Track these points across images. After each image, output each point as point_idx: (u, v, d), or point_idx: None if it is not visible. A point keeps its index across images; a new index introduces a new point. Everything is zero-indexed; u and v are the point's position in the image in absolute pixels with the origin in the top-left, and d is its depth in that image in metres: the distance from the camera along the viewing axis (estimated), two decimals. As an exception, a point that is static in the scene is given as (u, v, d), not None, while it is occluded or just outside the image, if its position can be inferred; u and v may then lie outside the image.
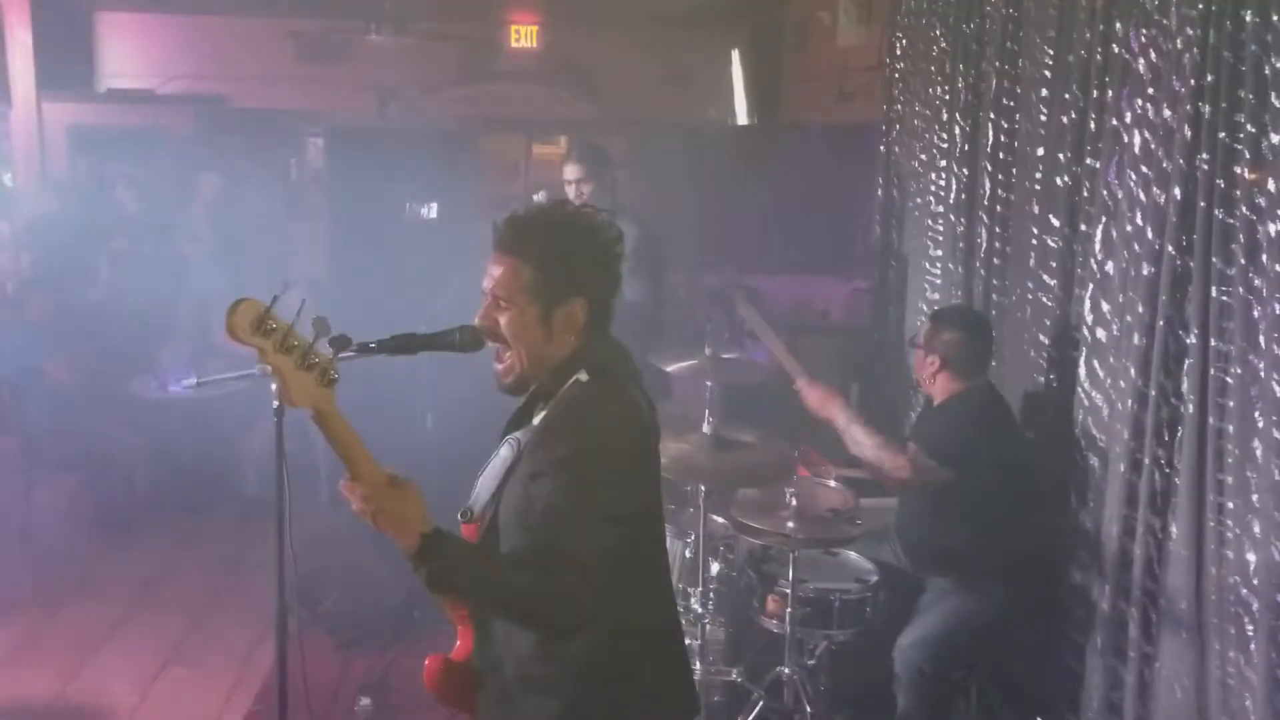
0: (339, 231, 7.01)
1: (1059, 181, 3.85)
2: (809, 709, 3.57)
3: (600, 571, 1.91)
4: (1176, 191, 3.07)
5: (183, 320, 6.49)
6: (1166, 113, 3.16)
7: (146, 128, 8.03)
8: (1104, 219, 3.52)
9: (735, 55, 8.57)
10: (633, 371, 2.15)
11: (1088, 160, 3.69)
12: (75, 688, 4.26)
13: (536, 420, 2.08)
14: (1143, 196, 3.26)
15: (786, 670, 3.64)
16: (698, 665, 3.62)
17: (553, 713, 2.03)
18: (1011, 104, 4.31)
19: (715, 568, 3.87)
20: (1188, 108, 3.03)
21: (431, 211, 6.55)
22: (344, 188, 6.92)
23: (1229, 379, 2.90)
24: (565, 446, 1.93)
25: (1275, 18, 2.76)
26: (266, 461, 2.58)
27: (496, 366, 2.12)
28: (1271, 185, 2.75)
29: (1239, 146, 2.88)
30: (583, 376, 2.02)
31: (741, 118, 8.53)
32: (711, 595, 3.79)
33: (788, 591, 3.56)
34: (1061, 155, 3.83)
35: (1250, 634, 2.82)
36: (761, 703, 3.65)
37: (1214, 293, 2.95)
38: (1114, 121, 3.47)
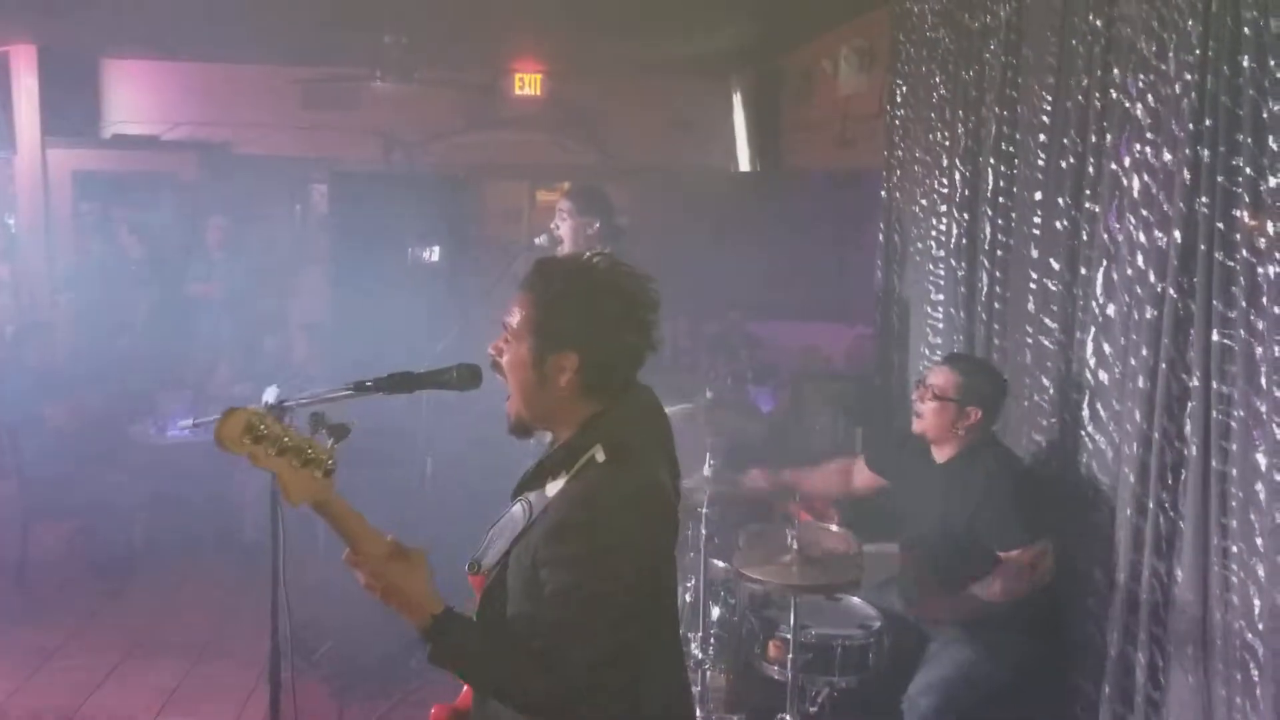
0: (342, 275, 7.04)
1: (1059, 225, 3.86)
2: (809, 757, 3.52)
3: (600, 672, 1.87)
4: (1177, 234, 3.08)
5: (184, 365, 6.50)
6: (1166, 156, 3.17)
7: (151, 173, 8.08)
8: (1104, 262, 3.52)
9: (737, 102, 8.64)
10: (658, 439, 2.08)
11: (1087, 204, 3.69)
12: (68, 735, 4.21)
13: (550, 490, 2.00)
14: (1143, 239, 3.27)
15: (788, 717, 3.58)
16: (698, 712, 3.57)
17: None
18: (1011, 149, 4.33)
19: (716, 612, 3.83)
20: (1187, 151, 3.04)
21: (434, 255, 6.58)
22: (348, 232, 6.97)
23: (1232, 422, 2.89)
24: (577, 545, 1.87)
25: (1272, 63, 2.77)
26: (263, 507, 2.57)
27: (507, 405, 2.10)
28: (1270, 228, 2.75)
29: (1238, 190, 2.88)
30: (599, 456, 1.94)
31: (744, 164, 8.58)
32: (712, 640, 3.75)
33: (789, 637, 3.52)
34: (1061, 200, 3.84)
35: (1256, 679, 2.78)
36: (763, 751, 3.59)
37: (1215, 335, 2.94)
38: (1113, 166, 3.48)
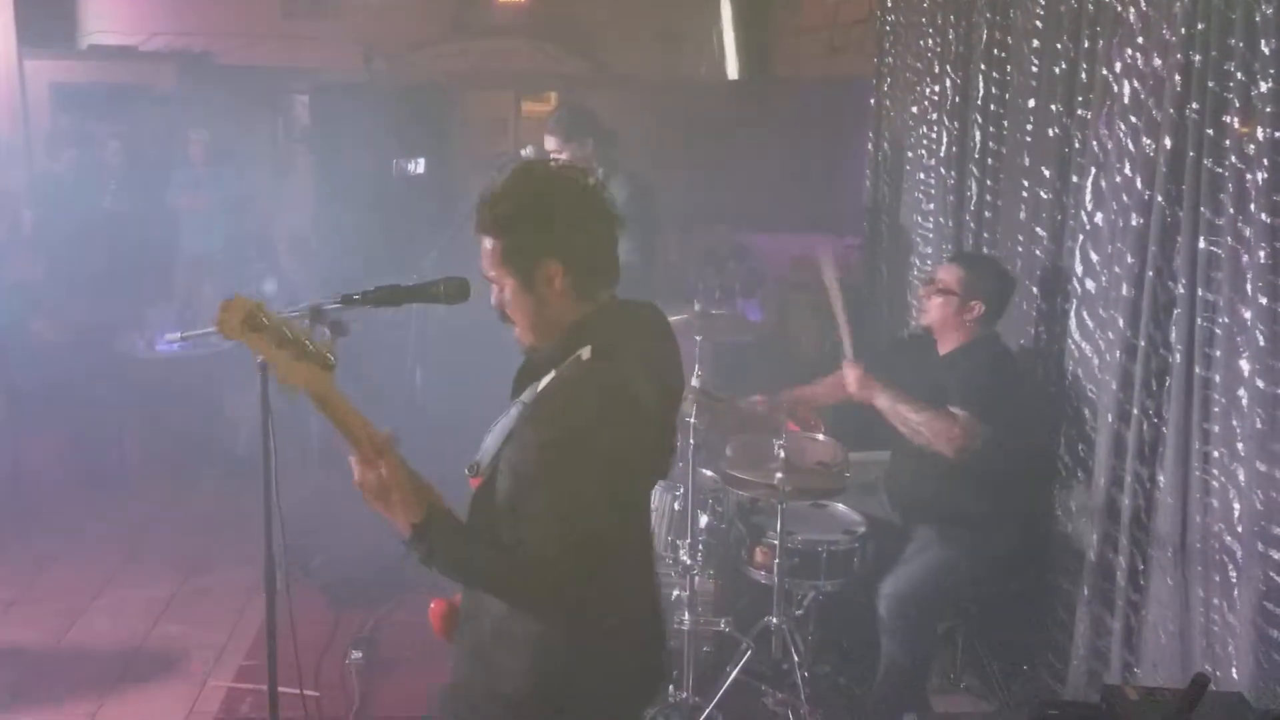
0: (326, 188, 6.96)
1: (1050, 133, 3.83)
2: (796, 658, 3.60)
3: (567, 561, 1.91)
4: (1167, 141, 3.06)
5: (170, 278, 6.47)
6: (1157, 61, 3.14)
7: (129, 85, 7.94)
8: (1094, 170, 3.50)
9: (726, 10, 8.48)
10: (647, 343, 2.10)
11: (1079, 111, 3.67)
12: (66, 644, 4.28)
13: (541, 385, 2.04)
14: (1132, 147, 3.25)
15: (774, 620, 3.66)
16: (687, 616, 3.65)
17: (518, 672, 2.04)
18: (1003, 55, 4.28)
19: (704, 520, 3.88)
20: (1178, 56, 3.01)
21: (419, 167, 6.50)
22: (330, 144, 6.87)
23: (1216, 329, 2.91)
24: (548, 432, 1.91)
25: (1266, -36, 2.73)
26: (256, 419, 2.58)
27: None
28: (1260, 134, 2.73)
29: (1229, 95, 2.86)
30: (585, 354, 1.98)
31: (733, 73, 8.46)
32: (700, 547, 3.81)
33: (776, 543, 3.58)
34: (1053, 106, 3.81)
35: (1234, 581, 2.85)
36: (750, 652, 3.68)
37: (1202, 243, 2.95)
38: (1104, 71, 3.45)
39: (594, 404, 1.92)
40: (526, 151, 4.79)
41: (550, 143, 4.59)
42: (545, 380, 2.03)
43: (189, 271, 6.75)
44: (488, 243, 2.02)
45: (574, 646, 2.05)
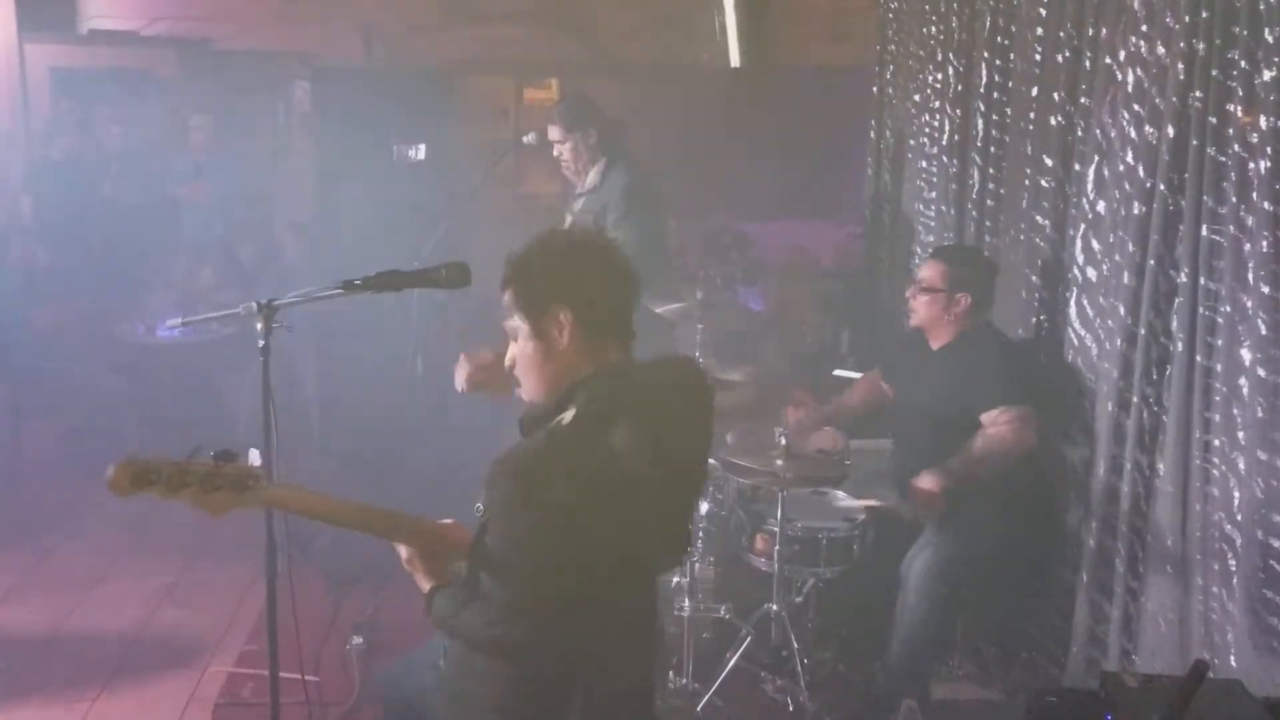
0: (326, 173, 6.95)
1: (1052, 121, 3.82)
2: (796, 645, 3.61)
3: (514, 623, 1.98)
4: (1169, 129, 3.05)
5: (170, 265, 6.46)
6: (1160, 50, 3.13)
7: (130, 70, 7.91)
8: (1096, 158, 3.50)
9: (728, -4, 8.45)
10: (656, 407, 2.06)
11: (1081, 99, 3.66)
12: (67, 630, 4.28)
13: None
14: (1135, 135, 3.24)
15: (774, 607, 3.67)
16: (687, 603, 3.66)
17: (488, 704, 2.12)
18: (1006, 42, 4.27)
19: (705, 507, 3.89)
20: (1181, 44, 3.00)
21: (419, 153, 6.49)
22: (331, 130, 6.86)
23: (1218, 318, 2.90)
24: (502, 489, 1.94)
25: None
26: (256, 405, 2.59)
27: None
28: (1263, 122, 2.73)
29: (1232, 84, 2.85)
30: (567, 417, 2.00)
31: (734, 60, 8.44)
32: (701, 534, 3.82)
33: (776, 530, 3.59)
34: (1055, 94, 3.80)
35: (1233, 569, 2.85)
36: (750, 639, 3.69)
37: (1204, 231, 2.94)
38: (1108, 59, 3.44)
39: (559, 464, 1.94)
40: (528, 138, 4.78)
41: (554, 132, 4.57)
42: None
43: (189, 259, 6.72)
44: (506, 294, 2.09)
45: (548, 672, 2.08)
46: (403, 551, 2.22)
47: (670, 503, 2.12)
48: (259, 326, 2.52)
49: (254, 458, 2.23)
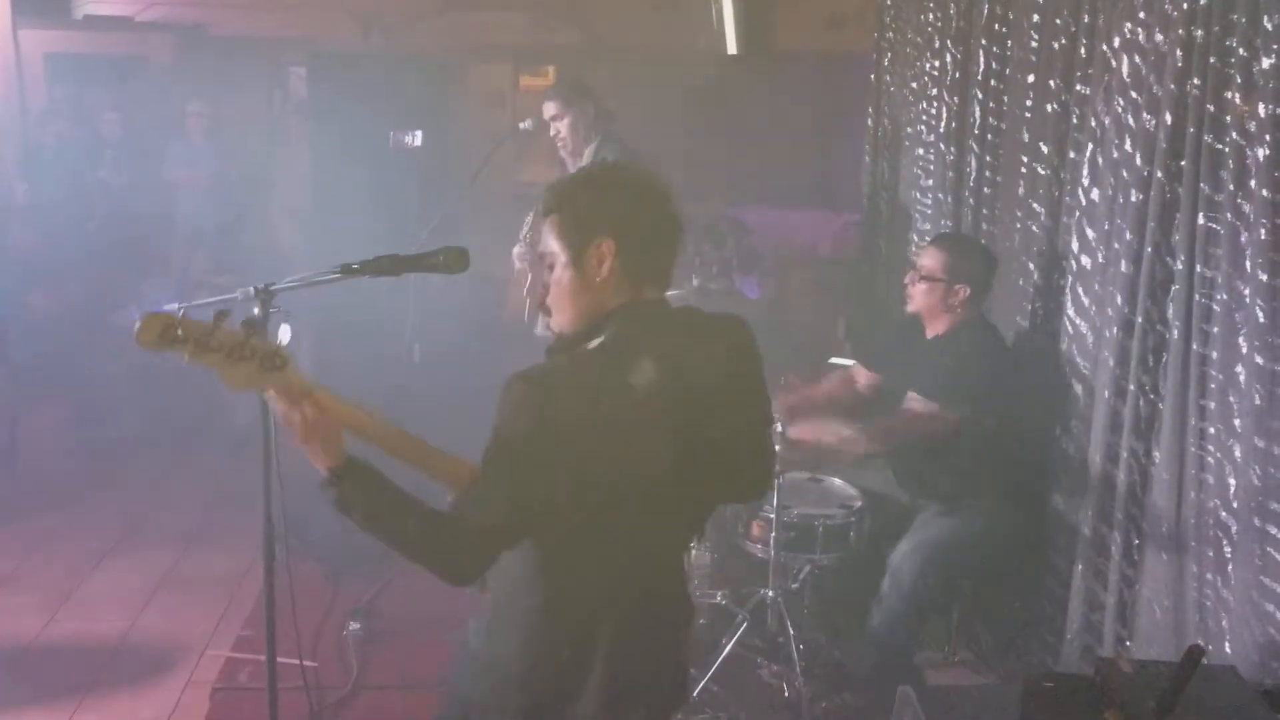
0: (322, 160, 6.93)
1: (1049, 108, 3.82)
2: (792, 631, 3.62)
3: (490, 536, 1.91)
4: (1167, 117, 3.05)
5: (167, 251, 6.45)
6: (1158, 37, 3.12)
7: (125, 56, 7.88)
8: (1091, 146, 3.50)
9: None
10: (675, 344, 1.99)
11: (1078, 87, 3.65)
12: (64, 615, 4.29)
13: None
14: (1132, 122, 3.24)
15: (770, 593, 3.68)
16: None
17: (513, 655, 2.06)
18: (1003, 30, 4.26)
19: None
20: (1179, 32, 3.00)
21: (416, 139, 6.47)
22: (327, 116, 6.84)
23: (1214, 305, 2.91)
24: (512, 397, 1.87)
25: (1269, -62, 2.72)
26: (254, 392, 2.57)
27: (547, 325, 2.12)
28: (1262, 110, 2.72)
29: (1230, 71, 2.85)
30: (591, 344, 1.96)
31: (731, 47, 8.42)
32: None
33: (772, 516, 3.59)
34: (1052, 82, 3.80)
35: (1228, 556, 2.86)
36: (745, 625, 3.70)
37: (1201, 219, 2.94)
38: (1104, 47, 3.44)
39: (574, 386, 1.90)
40: (525, 124, 4.77)
41: (550, 108, 4.56)
42: None
43: (185, 245, 6.72)
44: (548, 223, 2.02)
45: (563, 637, 2.02)
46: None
47: (691, 461, 1.99)
48: (255, 311, 2.51)
49: (284, 334, 2.19)
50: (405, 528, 1.96)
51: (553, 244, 2.01)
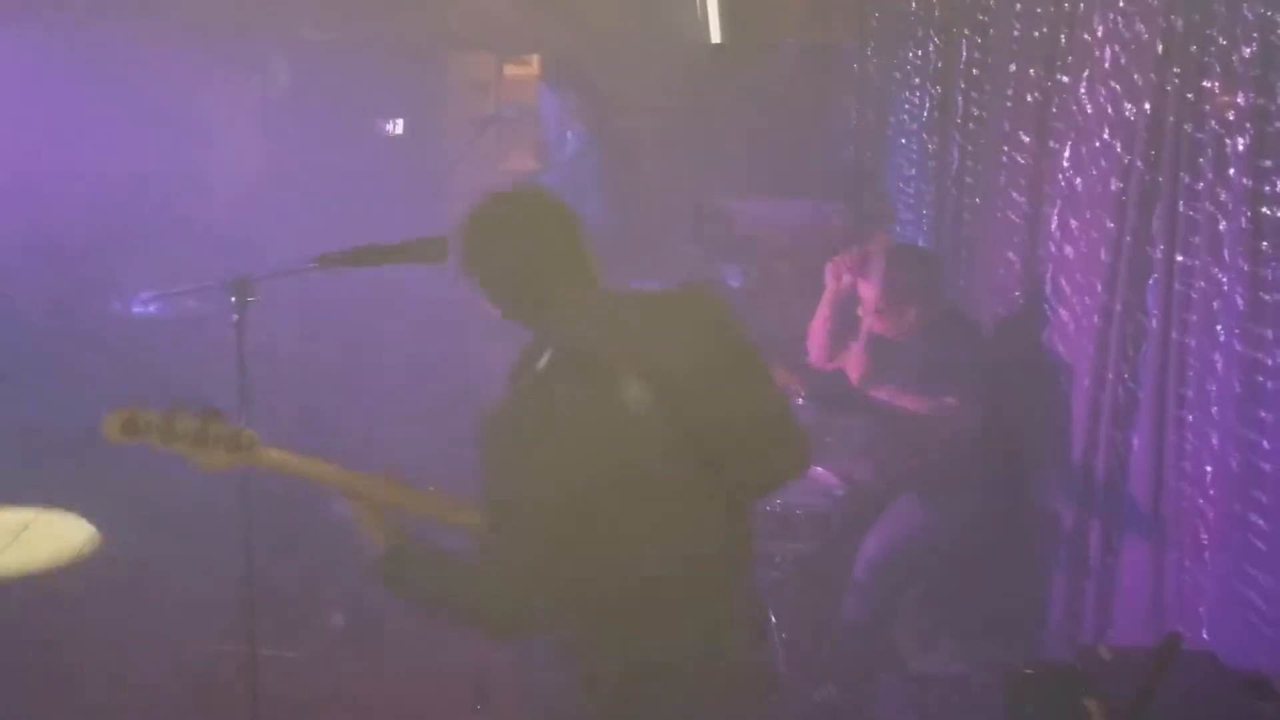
0: (302, 148, 6.87)
1: (1030, 98, 3.82)
2: (773, 619, 3.62)
3: (533, 589, 1.90)
4: (1147, 106, 3.06)
5: (148, 240, 6.39)
6: (1139, 26, 3.13)
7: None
8: (1073, 135, 3.50)
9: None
10: (632, 336, 1.97)
11: (1059, 76, 3.66)
12: (44, 605, 4.25)
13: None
14: (1112, 112, 3.25)
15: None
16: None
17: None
18: (985, 19, 4.26)
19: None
20: (1160, 21, 3.00)
21: (397, 128, 6.43)
22: (308, 103, 6.79)
23: (1193, 293, 2.92)
24: (486, 446, 1.91)
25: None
26: (234, 382, 2.56)
27: None
28: (1241, 98, 2.73)
29: (1210, 60, 2.85)
30: (542, 362, 1.93)
31: (715, 36, 8.40)
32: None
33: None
34: (1033, 71, 3.80)
35: (1205, 543, 2.88)
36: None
37: (1181, 207, 2.95)
38: (1085, 36, 3.44)
39: (539, 420, 1.89)
40: (508, 111, 4.77)
41: (539, 87, 4.60)
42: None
43: (163, 232, 6.64)
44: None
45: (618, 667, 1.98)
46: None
47: (696, 454, 1.95)
48: (233, 301, 2.50)
49: None
50: (457, 603, 2.05)
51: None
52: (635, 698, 1.97)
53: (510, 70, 9.04)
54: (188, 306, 5.52)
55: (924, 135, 4.78)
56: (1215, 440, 2.82)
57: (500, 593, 1.93)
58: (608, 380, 1.90)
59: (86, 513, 4.97)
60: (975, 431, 3.53)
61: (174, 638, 4.06)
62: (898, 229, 5.18)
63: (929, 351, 3.59)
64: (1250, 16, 2.68)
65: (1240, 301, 2.71)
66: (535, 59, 8.46)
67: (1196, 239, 2.90)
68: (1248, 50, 2.70)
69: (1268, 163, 2.63)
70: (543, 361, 1.92)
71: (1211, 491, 2.84)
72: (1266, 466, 2.65)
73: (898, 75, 5.21)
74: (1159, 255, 3.03)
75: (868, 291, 3.68)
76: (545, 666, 2.21)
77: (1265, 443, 2.65)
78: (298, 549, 4.50)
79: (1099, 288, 3.25)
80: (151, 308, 5.67)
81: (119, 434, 1.95)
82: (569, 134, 4.56)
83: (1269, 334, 2.64)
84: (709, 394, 1.95)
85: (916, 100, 4.91)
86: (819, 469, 3.91)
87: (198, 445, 1.97)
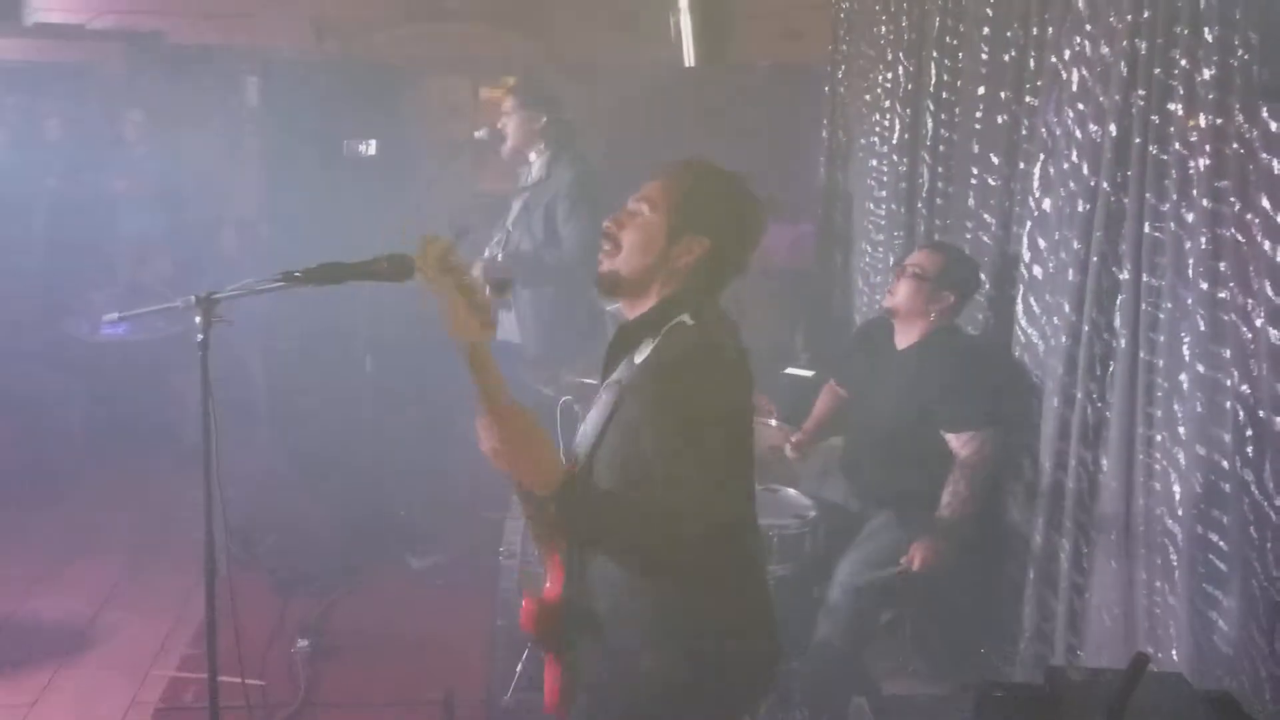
0: (274, 168, 6.85)
1: (999, 120, 3.85)
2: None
3: (701, 507, 1.94)
4: (1112, 128, 3.08)
5: (116, 261, 6.35)
6: (1104, 49, 3.16)
7: (77, 64, 7.77)
8: (1042, 157, 3.52)
9: (683, -5, 8.45)
10: (733, 330, 2.16)
11: (1027, 98, 3.69)
12: (7, 632, 4.20)
13: (637, 358, 2.10)
14: (1079, 133, 3.27)
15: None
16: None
17: (640, 649, 2.08)
18: (954, 42, 4.29)
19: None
20: (1124, 44, 3.03)
21: (370, 149, 6.42)
22: (280, 124, 6.77)
23: (1160, 314, 2.93)
24: (667, 385, 1.96)
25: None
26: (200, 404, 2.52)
27: (600, 263, 2.16)
28: (1203, 120, 2.76)
29: (1173, 82, 2.88)
30: (687, 319, 2.05)
31: (689, 59, 8.45)
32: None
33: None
34: (1002, 93, 3.83)
35: (1174, 563, 2.88)
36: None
37: (1147, 228, 2.97)
38: (1053, 59, 3.47)
39: (713, 373, 1.98)
40: (480, 134, 4.76)
41: (507, 102, 4.60)
42: (643, 351, 2.08)
43: (130, 254, 6.59)
44: (665, 183, 2.13)
45: (692, 616, 2.07)
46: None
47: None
48: (198, 320, 2.47)
49: None
50: (628, 524, 1.99)
51: (659, 199, 2.11)
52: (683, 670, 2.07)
53: (488, 93, 9.07)
54: (156, 326, 5.48)
55: (894, 157, 4.80)
56: (1182, 460, 2.83)
57: (672, 531, 1.94)
58: (736, 339, 2.11)
59: (46, 538, 4.94)
60: (1000, 455, 3.55)
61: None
62: (867, 249, 5.20)
63: (925, 367, 3.59)
64: (1211, 39, 2.71)
65: (1202, 322, 2.73)
66: (511, 81, 8.50)
67: (1162, 259, 2.92)
68: (1209, 72, 2.73)
69: (1225, 183, 2.66)
70: (687, 319, 2.06)
71: (1179, 511, 2.85)
72: (1226, 487, 2.66)
73: (868, 97, 5.24)
74: (1126, 276, 3.05)
75: (921, 258, 3.68)
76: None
77: (1225, 463, 2.66)
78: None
79: (1067, 308, 3.27)
80: (119, 329, 5.62)
81: (435, 260, 1.93)
82: (532, 155, 4.57)
83: (1227, 354, 2.65)
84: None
85: (887, 122, 4.94)
86: (792, 491, 3.90)
87: (472, 308, 1.93)
